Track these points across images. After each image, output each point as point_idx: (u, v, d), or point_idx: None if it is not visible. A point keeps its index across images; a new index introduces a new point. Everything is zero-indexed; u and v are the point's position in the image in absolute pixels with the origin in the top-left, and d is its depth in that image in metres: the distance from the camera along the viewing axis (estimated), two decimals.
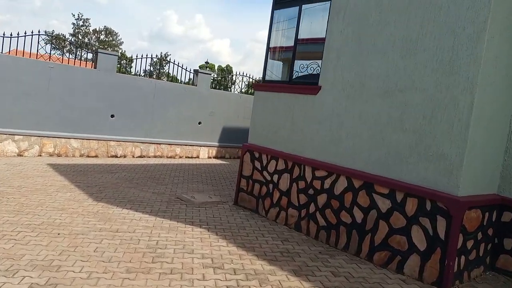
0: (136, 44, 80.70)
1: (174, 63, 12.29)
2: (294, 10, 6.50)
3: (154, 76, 16.34)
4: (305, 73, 6.34)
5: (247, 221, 6.25)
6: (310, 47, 6.49)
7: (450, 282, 4.33)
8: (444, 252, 4.34)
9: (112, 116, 11.07)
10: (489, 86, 4.43)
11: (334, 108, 5.69)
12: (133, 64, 12.69)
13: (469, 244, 4.58)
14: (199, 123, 12.85)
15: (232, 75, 15.22)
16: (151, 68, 21.99)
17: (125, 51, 52.26)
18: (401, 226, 4.73)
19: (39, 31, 9.93)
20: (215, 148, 13.37)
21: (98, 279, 3.77)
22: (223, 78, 17.27)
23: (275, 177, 6.49)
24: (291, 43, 6.54)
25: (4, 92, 9.39)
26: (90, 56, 12.22)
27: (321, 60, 5.97)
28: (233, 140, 13.69)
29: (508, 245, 4.94)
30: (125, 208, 6.22)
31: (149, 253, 4.53)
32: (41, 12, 73.47)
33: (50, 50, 10.74)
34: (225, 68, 47.40)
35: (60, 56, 11.03)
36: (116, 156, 11.16)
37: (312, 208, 5.82)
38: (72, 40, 36.36)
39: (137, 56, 11.66)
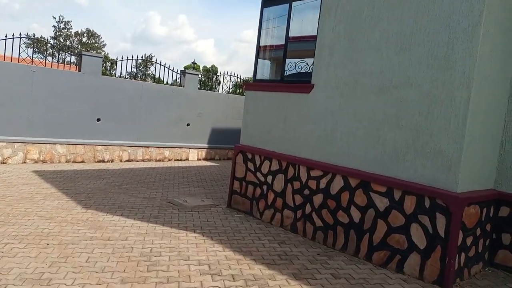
0: (119, 46, 79.73)
1: (161, 64, 12.08)
2: (284, 7, 6.39)
3: (139, 78, 16.06)
4: (297, 71, 6.24)
5: (242, 224, 6.12)
6: (302, 45, 6.38)
7: (451, 280, 4.27)
8: (444, 249, 4.28)
9: (98, 120, 10.81)
10: (485, 80, 4.39)
11: (328, 106, 5.60)
12: (116, 66, 12.40)
13: (469, 240, 4.54)
14: (188, 124, 12.66)
15: (218, 75, 15.04)
16: (135, 70, 21.68)
17: (108, 53, 51.52)
18: (400, 224, 4.67)
19: (20, 34, 9.63)
20: (205, 149, 13.20)
21: None
22: (208, 78, 17.10)
23: (269, 178, 6.38)
24: (282, 41, 6.43)
25: None
26: (73, 59, 11.93)
27: (313, 58, 5.87)
28: (222, 141, 13.54)
29: (506, 240, 4.91)
30: (115, 215, 6.03)
31: (143, 262, 4.37)
32: (21, 16, 72.06)
33: (32, 54, 10.42)
34: (210, 69, 47.09)
35: (42, 60, 10.74)
36: (103, 161, 10.91)
37: (308, 208, 5.72)
38: (54, 43, 35.70)
39: (122, 58, 11.43)
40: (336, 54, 5.55)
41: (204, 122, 13.06)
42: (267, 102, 6.60)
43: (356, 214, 5.12)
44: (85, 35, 54.63)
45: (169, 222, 5.89)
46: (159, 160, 12.01)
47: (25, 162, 9.67)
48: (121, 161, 11.24)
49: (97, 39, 55.63)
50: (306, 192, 5.77)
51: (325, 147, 5.60)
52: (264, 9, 6.84)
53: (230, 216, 6.51)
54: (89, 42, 54.48)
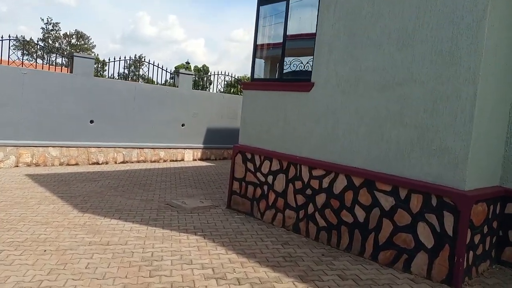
0: (109, 47, 79.12)
1: (153, 64, 11.91)
2: (281, 5, 6.28)
3: (129, 79, 15.86)
4: (297, 69, 6.14)
5: (243, 225, 6.01)
6: (300, 43, 6.28)
7: (461, 279, 4.20)
8: (453, 248, 4.21)
9: (92, 121, 10.62)
10: (491, 76, 4.33)
11: (329, 105, 5.51)
12: (108, 68, 12.21)
13: (477, 238, 4.47)
14: (183, 125, 12.51)
15: (210, 75, 14.89)
16: (126, 71, 21.41)
17: (97, 54, 51.14)
18: (406, 223, 4.59)
19: (9, 36, 9.42)
20: (200, 150, 13.06)
21: None
22: (200, 78, 16.93)
23: (270, 178, 6.27)
24: (279, 39, 6.33)
25: None
26: (63, 60, 11.70)
27: (312, 56, 5.78)
28: (218, 141, 13.41)
29: None
30: (113, 218, 5.88)
31: (145, 267, 4.24)
32: (8, 18, 70.95)
33: (22, 56, 10.22)
34: (201, 68, 46.90)
35: (32, 62, 10.52)
36: (97, 163, 10.72)
37: (310, 208, 5.63)
38: (44, 45, 35.23)
39: (114, 59, 11.24)
40: (336, 51, 5.46)
41: (199, 122, 12.91)
42: (266, 101, 6.49)
43: (360, 214, 5.03)
44: (74, 36, 54.05)
45: (168, 225, 5.76)
46: (154, 161, 11.85)
47: (17, 166, 9.45)
48: (115, 163, 11.06)
49: (86, 40, 55.10)
50: (309, 192, 5.67)
51: (327, 146, 5.51)
52: (261, 7, 6.72)
53: (231, 217, 6.40)
54: (78, 43, 53.91)
